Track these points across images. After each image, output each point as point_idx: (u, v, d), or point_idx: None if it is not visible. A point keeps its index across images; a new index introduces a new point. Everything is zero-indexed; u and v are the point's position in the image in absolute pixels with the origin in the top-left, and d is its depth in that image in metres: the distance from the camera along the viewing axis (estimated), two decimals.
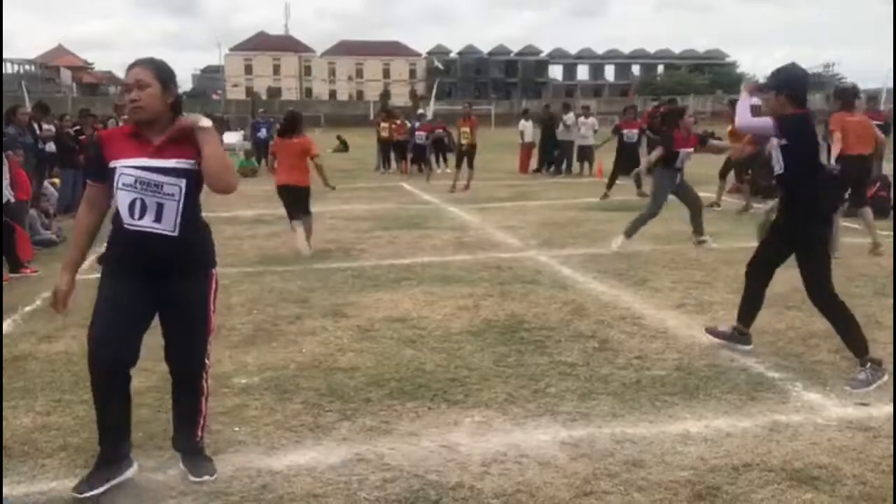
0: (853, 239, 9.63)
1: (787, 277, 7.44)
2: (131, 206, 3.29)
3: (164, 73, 3.36)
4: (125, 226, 3.32)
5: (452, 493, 3.38)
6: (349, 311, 6.44)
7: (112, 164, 3.30)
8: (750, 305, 5.31)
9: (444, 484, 3.46)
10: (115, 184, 3.30)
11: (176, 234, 3.33)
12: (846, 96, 10.00)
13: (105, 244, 3.47)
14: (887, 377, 4.68)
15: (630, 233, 8.96)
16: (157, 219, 3.30)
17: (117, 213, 3.34)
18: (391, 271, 7.99)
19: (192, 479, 3.49)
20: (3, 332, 5.92)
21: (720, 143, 10.45)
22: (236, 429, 4.09)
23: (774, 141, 4.90)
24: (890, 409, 4.23)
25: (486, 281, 7.49)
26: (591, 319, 6.10)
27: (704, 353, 5.25)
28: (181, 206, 3.31)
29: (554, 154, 20.98)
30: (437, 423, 4.14)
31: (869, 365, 4.71)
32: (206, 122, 3.39)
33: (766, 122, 4.85)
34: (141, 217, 3.29)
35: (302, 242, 8.99)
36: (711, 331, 5.47)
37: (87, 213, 3.46)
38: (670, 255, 8.63)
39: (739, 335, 5.30)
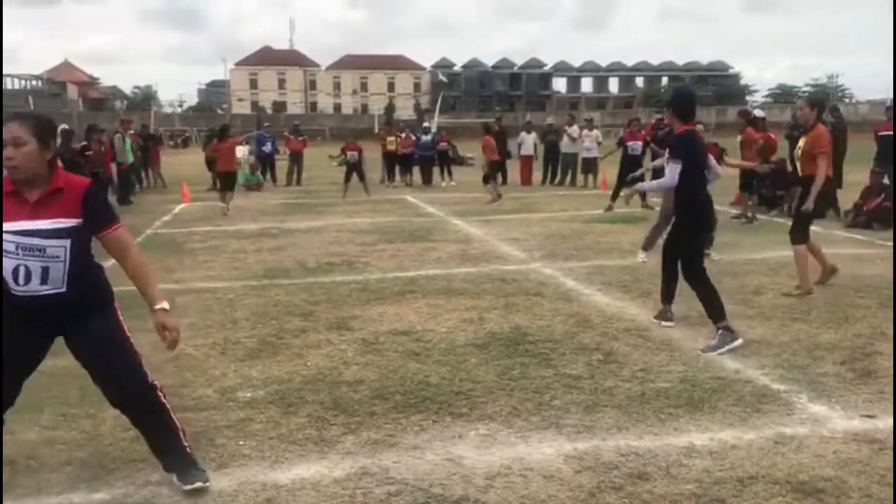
0: (858, 250, 9.63)
1: (792, 289, 7.46)
2: (15, 272, 3.18)
3: (42, 130, 3.24)
4: (12, 291, 3.22)
5: None
6: (354, 324, 6.45)
7: None
8: (672, 284, 6.29)
9: (448, 497, 3.46)
10: None
11: (65, 290, 3.25)
12: None
13: None
14: (740, 341, 5.56)
15: (647, 246, 9.03)
16: (44, 281, 3.20)
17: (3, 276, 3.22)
18: (396, 284, 8.00)
19: (184, 486, 3.47)
20: None
21: (736, 162, 10.54)
22: (241, 442, 4.09)
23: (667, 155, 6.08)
24: None
25: (491, 293, 7.49)
26: (596, 332, 6.10)
27: (709, 365, 5.25)
28: (68, 265, 3.22)
29: (504, 168, 21.33)
30: (441, 436, 4.15)
31: (720, 332, 5.61)
32: (164, 305, 3.40)
33: (671, 169, 5.86)
34: (27, 283, 3.20)
35: (228, 206, 15.13)
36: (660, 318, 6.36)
37: None
38: None
39: (668, 313, 6.32)
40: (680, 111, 6.00)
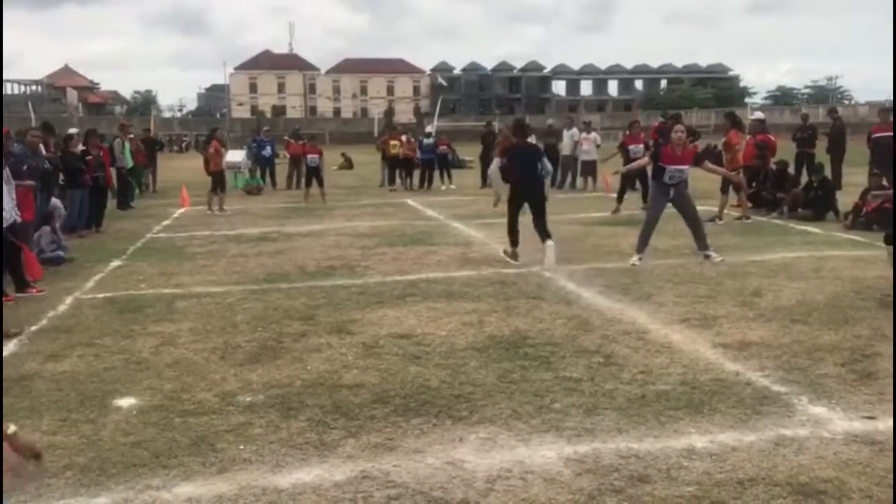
0: (859, 252, 9.64)
1: (792, 291, 7.48)
2: None
3: None
4: None
5: None
6: (354, 327, 6.45)
7: None
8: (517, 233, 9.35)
9: (448, 501, 3.45)
10: None
11: None
12: None
13: None
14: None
15: (640, 247, 9.16)
16: None
17: None
18: (396, 288, 8.00)
19: None
20: (10, 351, 5.95)
21: (714, 168, 10.45)
22: (241, 447, 4.09)
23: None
24: None
25: (491, 296, 7.49)
26: (596, 334, 6.10)
27: (709, 367, 5.25)
28: None
29: (488, 173, 21.45)
30: (441, 439, 4.15)
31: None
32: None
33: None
34: None
35: (222, 208, 16.32)
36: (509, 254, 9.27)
37: None
38: (675, 270, 8.63)
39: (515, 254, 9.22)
40: (515, 132, 10.01)
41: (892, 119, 14.45)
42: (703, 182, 17.02)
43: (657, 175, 9.23)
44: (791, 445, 3.95)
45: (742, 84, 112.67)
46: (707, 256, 9.14)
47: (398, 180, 22.01)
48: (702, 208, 14.80)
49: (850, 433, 4.10)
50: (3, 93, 62.53)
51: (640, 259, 9.03)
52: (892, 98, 38.97)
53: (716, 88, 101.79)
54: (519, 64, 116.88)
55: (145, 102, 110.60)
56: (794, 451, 3.89)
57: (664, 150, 9.22)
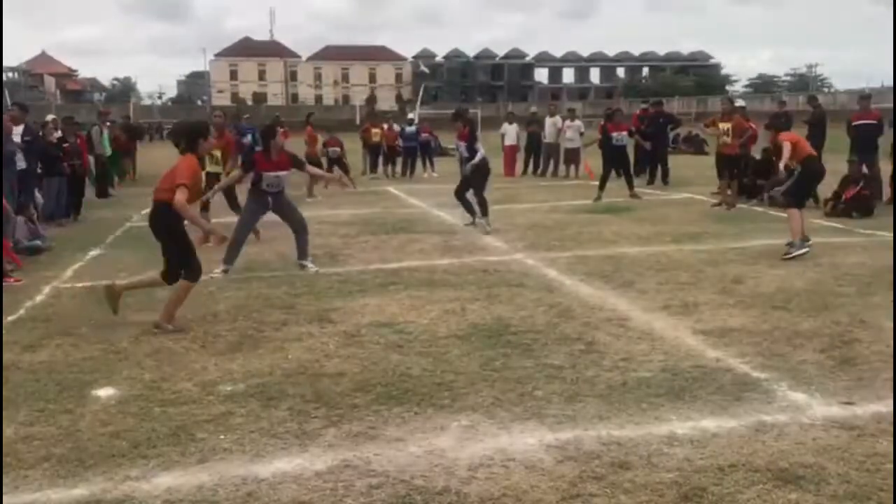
0: (838, 238, 9.71)
1: (773, 278, 7.52)
2: None
3: None
4: None
5: (439, 498, 3.38)
6: (335, 316, 6.42)
7: None
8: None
9: (430, 489, 3.45)
10: None
11: None
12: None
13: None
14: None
15: (229, 259, 8.25)
16: None
17: None
18: (378, 276, 7.98)
19: None
20: None
21: (316, 171, 10.21)
22: (221, 436, 4.06)
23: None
24: (875, 408, 4.26)
25: (473, 284, 7.48)
26: (578, 322, 6.11)
27: (690, 354, 5.27)
28: None
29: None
30: (423, 428, 4.14)
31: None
32: None
33: None
34: None
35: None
36: None
37: None
38: (656, 257, 8.66)
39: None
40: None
41: (871, 106, 14.54)
42: (685, 170, 17.08)
43: (255, 184, 8.34)
44: (771, 431, 3.98)
45: (724, 72, 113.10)
46: (302, 266, 8.45)
47: (380, 168, 21.93)
48: (687, 195, 14.90)
49: (829, 419, 4.13)
50: None
51: (224, 271, 8.13)
52: (869, 85, 39.33)
53: (698, 76, 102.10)
54: (501, 51, 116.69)
55: (124, 90, 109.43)
56: (774, 436, 3.91)
57: (258, 157, 8.36)
